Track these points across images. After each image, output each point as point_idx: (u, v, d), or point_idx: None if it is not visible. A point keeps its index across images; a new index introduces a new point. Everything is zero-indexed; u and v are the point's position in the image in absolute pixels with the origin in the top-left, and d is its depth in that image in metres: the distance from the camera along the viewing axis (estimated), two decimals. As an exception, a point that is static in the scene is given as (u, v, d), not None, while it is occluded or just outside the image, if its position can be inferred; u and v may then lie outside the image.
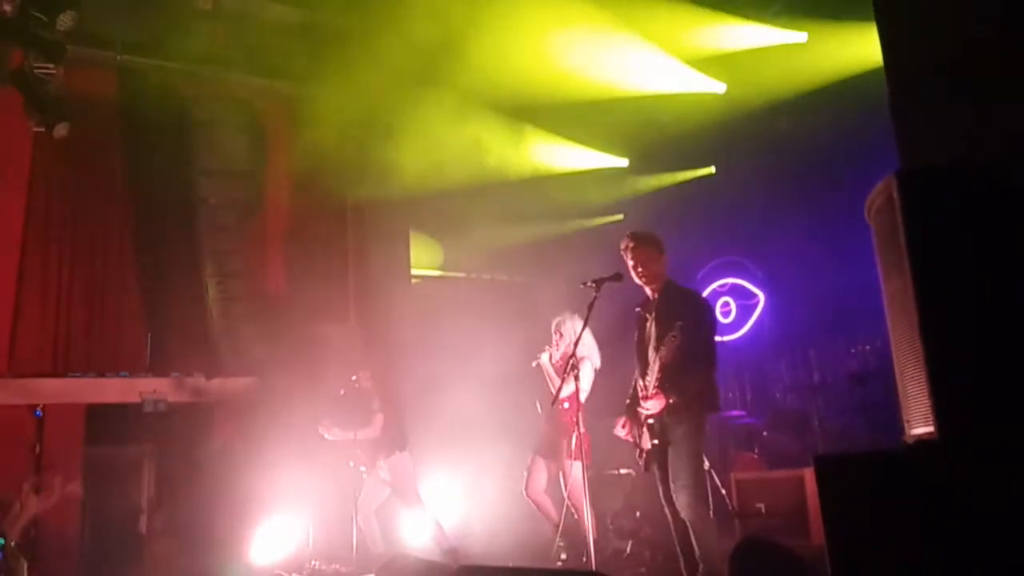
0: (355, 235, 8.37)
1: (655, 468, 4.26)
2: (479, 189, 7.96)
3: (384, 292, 8.17)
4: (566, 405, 5.33)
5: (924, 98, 3.16)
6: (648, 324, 4.42)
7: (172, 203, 7.64)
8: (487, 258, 9.36)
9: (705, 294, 7.51)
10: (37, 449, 6.31)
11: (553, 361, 5.67)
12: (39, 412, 6.43)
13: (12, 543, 5.04)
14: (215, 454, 7.01)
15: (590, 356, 5.47)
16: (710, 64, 7.59)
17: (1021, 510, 1.99)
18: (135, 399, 6.72)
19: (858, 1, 5.11)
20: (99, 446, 6.76)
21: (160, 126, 7.54)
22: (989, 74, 2.90)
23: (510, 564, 5.49)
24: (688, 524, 4.08)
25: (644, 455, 4.31)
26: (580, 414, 4.84)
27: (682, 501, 4.06)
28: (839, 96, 6.78)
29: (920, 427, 2.34)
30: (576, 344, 4.76)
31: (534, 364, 5.70)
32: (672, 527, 4.25)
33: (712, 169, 8.94)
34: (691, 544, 4.08)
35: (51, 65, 5.80)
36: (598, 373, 5.57)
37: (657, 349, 4.20)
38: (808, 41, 7.19)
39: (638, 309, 4.57)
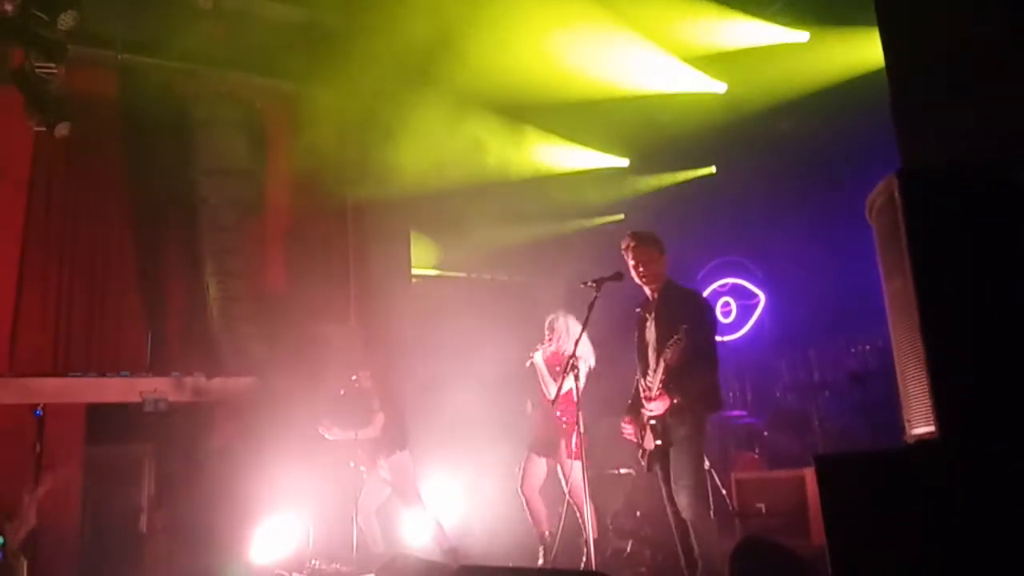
0: (355, 235, 8.37)
1: (657, 468, 4.26)
2: (479, 189, 7.96)
3: (384, 292, 8.17)
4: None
5: (925, 98, 3.16)
6: (648, 324, 4.42)
7: (172, 203, 7.64)
8: (487, 258, 9.36)
9: (705, 294, 7.50)
10: (37, 449, 6.32)
11: (545, 358, 5.66)
12: (39, 412, 6.44)
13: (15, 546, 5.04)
14: (215, 454, 7.01)
15: (585, 356, 5.46)
16: (711, 63, 7.59)
17: (1021, 510, 1.99)
18: (135, 399, 6.73)
19: (859, 2, 5.10)
20: (99, 446, 6.77)
21: (161, 125, 7.55)
22: (989, 74, 2.90)
23: (510, 564, 5.49)
24: (689, 524, 4.08)
25: (647, 455, 4.31)
26: (580, 413, 4.83)
27: (683, 501, 4.07)
28: (839, 96, 6.77)
29: (921, 427, 2.34)
30: (577, 344, 4.75)
31: (528, 364, 5.69)
32: (673, 527, 4.25)
33: (713, 169, 8.94)
34: (691, 544, 4.08)
35: (52, 64, 5.81)
36: (596, 373, 5.56)
37: (657, 350, 4.21)
38: (809, 41, 7.18)
39: (638, 309, 4.57)
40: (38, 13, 5.39)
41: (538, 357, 5.66)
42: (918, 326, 2.27)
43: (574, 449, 5.21)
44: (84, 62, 6.93)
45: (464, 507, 6.87)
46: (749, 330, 8.51)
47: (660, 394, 4.14)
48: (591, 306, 4.47)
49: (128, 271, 7.41)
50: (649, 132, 8.30)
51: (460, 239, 8.94)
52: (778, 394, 7.91)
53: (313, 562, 6.08)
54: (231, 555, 6.15)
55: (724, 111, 7.69)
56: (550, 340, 5.69)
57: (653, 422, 4.22)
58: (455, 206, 8.18)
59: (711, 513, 4.20)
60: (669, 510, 4.24)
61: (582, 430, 4.73)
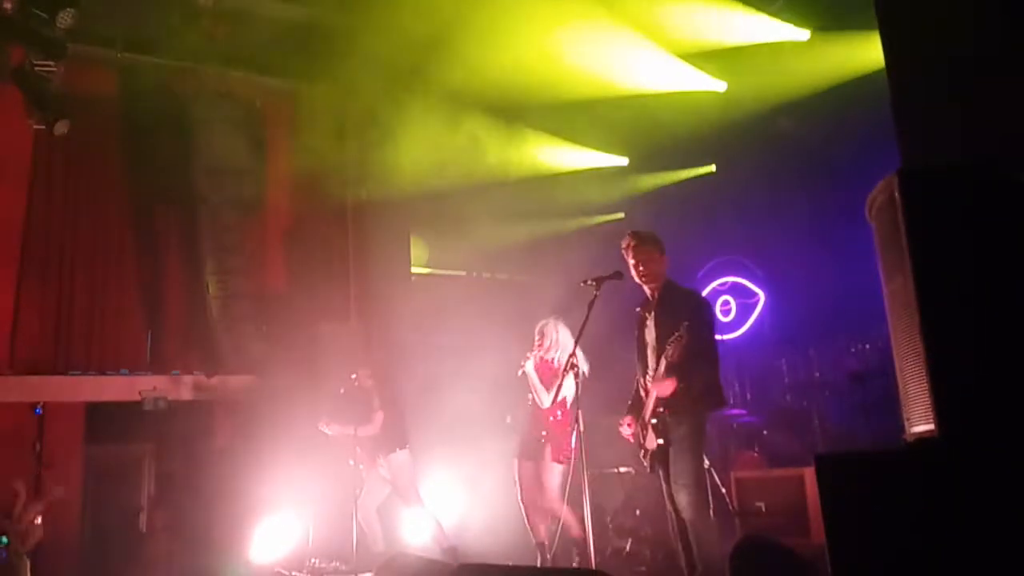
0: (355, 234, 8.38)
1: (659, 467, 4.26)
2: (479, 188, 7.95)
3: (384, 291, 8.17)
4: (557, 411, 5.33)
5: (925, 98, 3.16)
6: (647, 324, 4.42)
7: (172, 202, 7.64)
8: (487, 257, 9.36)
9: (705, 293, 7.50)
10: (37, 447, 6.32)
11: (536, 365, 5.58)
12: (39, 410, 6.45)
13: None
14: (215, 452, 7.02)
15: (579, 362, 5.38)
16: (710, 62, 7.59)
17: (1021, 509, 2.00)
18: (135, 397, 6.73)
19: (859, 1, 5.10)
20: (99, 444, 6.78)
21: (160, 124, 7.55)
22: (989, 74, 2.90)
23: (510, 563, 5.48)
24: (688, 523, 4.09)
25: (649, 455, 4.31)
26: (580, 413, 4.80)
27: (682, 500, 4.07)
28: (840, 95, 6.77)
29: (920, 425, 2.35)
30: (574, 348, 4.73)
31: (519, 373, 5.58)
32: (674, 525, 4.25)
33: (712, 168, 8.93)
34: (691, 543, 4.08)
35: (52, 63, 5.81)
36: (596, 373, 5.52)
37: (657, 350, 4.20)
38: (810, 40, 7.18)
39: (638, 309, 4.57)
40: (38, 11, 5.38)
41: (529, 367, 5.54)
42: (918, 325, 2.27)
43: (568, 452, 5.15)
44: (84, 60, 6.93)
45: (464, 505, 6.87)
46: (749, 329, 8.51)
47: (665, 377, 4.11)
48: (591, 305, 4.45)
49: (128, 270, 7.42)
50: (649, 131, 8.28)
51: (460, 238, 8.93)
52: (778, 393, 7.90)
53: (313, 561, 6.08)
54: (231, 554, 6.16)
55: (724, 110, 7.68)
56: (540, 346, 5.59)
57: (655, 421, 4.21)
58: (455, 205, 8.18)
59: (711, 512, 4.20)
60: (669, 509, 4.24)
61: (582, 429, 4.70)
